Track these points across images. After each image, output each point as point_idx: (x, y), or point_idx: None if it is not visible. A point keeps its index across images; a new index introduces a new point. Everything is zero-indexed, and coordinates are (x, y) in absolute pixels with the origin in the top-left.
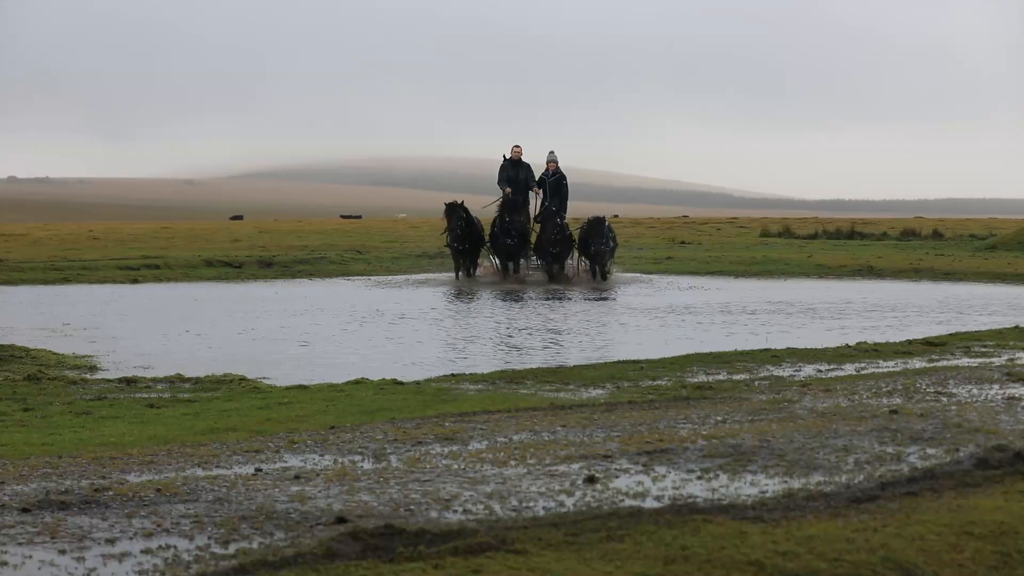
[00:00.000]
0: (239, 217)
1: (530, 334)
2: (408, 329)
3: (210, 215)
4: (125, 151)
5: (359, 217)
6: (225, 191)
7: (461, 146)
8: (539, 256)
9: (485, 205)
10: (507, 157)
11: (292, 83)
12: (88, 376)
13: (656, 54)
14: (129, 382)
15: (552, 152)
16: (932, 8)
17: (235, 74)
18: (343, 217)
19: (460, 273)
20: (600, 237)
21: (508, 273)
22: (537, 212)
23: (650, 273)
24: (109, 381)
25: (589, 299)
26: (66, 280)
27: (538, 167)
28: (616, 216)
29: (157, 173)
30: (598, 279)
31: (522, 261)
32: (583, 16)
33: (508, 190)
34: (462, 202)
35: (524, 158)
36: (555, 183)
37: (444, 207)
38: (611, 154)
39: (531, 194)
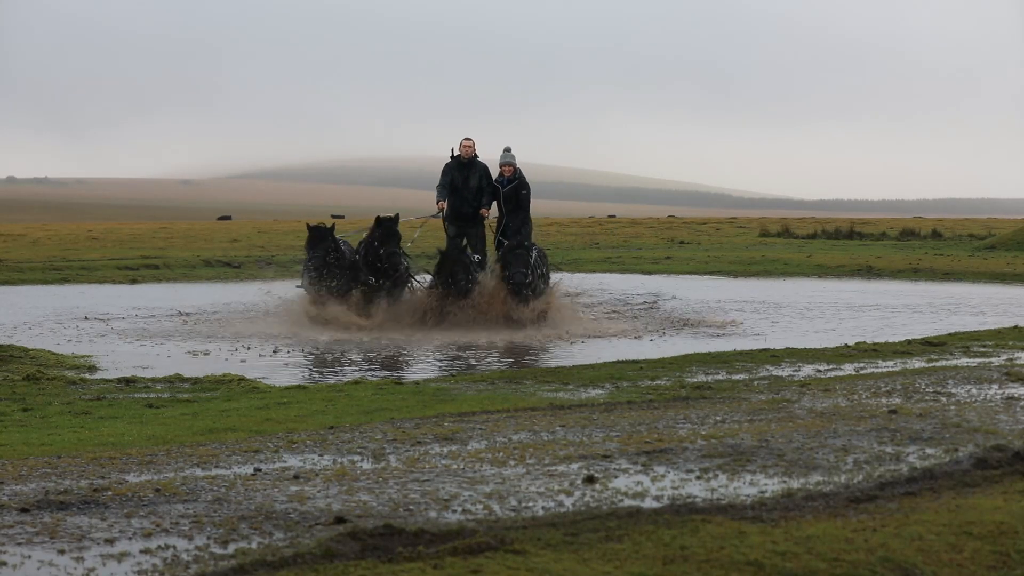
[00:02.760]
0: (227, 217)
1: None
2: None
3: (194, 216)
4: (81, 151)
5: (342, 217)
6: (206, 192)
7: (422, 145)
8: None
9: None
10: (455, 154)
11: (251, 83)
12: (87, 376)
13: (609, 51)
14: (128, 382)
15: (507, 151)
16: (894, 7)
17: (193, 74)
18: (332, 217)
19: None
20: (521, 267)
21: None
22: (496, 230)
23: (649, 274)
24: (108, 381)
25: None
26: (65, 280)
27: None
28: (613, 216)
29: (114, 173)
30: (520, 316)
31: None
32: (538, 16)
33: (442, 204)
34: (332, 227)
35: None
36: (511, 192)
37: (308, 231)
38: (576, 150)
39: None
